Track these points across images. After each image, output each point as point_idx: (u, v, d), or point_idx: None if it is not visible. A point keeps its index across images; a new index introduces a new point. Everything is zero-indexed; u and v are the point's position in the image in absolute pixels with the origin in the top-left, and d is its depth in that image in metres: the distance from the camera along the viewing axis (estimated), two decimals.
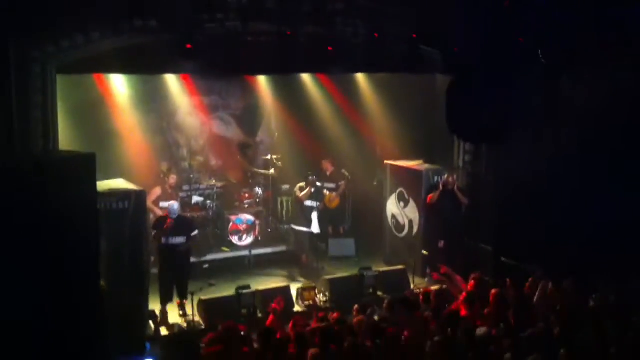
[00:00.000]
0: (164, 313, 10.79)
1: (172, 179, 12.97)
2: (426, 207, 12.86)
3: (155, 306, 10.81)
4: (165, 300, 10.96)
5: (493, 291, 9.32)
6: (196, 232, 11.45)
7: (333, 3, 10.85)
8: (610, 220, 10.79)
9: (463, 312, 9.12)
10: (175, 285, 11.06)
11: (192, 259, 11.74)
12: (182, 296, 10.99)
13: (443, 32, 9.98)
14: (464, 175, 13.09)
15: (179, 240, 10.94)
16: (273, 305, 9.75)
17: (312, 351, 7.62)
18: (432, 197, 12.62)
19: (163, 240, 10.90)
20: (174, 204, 11.21)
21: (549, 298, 9.57)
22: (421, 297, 9.88)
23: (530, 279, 10.04)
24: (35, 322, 7.85)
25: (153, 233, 10.95)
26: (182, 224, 11.08)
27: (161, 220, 11.09)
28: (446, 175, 12.69)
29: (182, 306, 11.00)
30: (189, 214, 12.88)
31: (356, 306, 9.51)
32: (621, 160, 11.13)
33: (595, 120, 11.19)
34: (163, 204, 12.33)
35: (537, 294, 9.65)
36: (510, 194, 12.00)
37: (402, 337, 8.17)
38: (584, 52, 10.58)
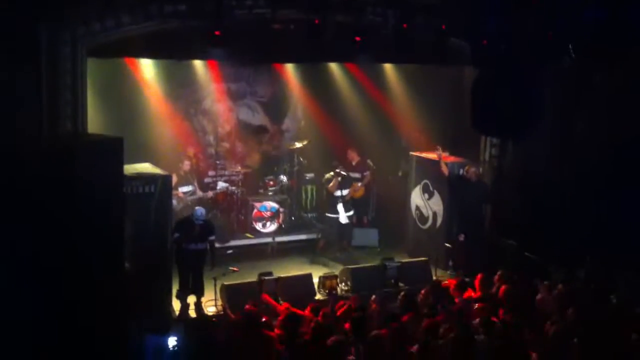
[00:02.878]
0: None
1: (186, 165, 13.05)
2: (449, 200, 12.85)
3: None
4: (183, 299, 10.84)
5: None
6: (214, 237, 11.01)
7: None
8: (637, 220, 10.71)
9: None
10: (193, 284, 10.84)
11: (216, 245, 11.80)
12: (199, 295, 10.85)
13: (472, 24, 9.92)
14: (489, 169, 13.01)
15: (202, 246, 10.77)
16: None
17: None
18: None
19: (185, 245, 10.65)
20: (200, 210, 10.88)
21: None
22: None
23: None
24: (61, 301, 8.00)
25: (175, 236, 10.62)
26: (206, 229, 10.81)
27: (186, 225, 10.78)
28: (467, 167, 12.63)
29: (198, 305, 10.82)
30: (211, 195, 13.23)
31: (373, 297, 9.72)
32: None
33: (627, 120, 11.06)
34: (182, 189, 12.66)
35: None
36: (535, 189, 11.94)
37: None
38: (613, 49, 10.43)
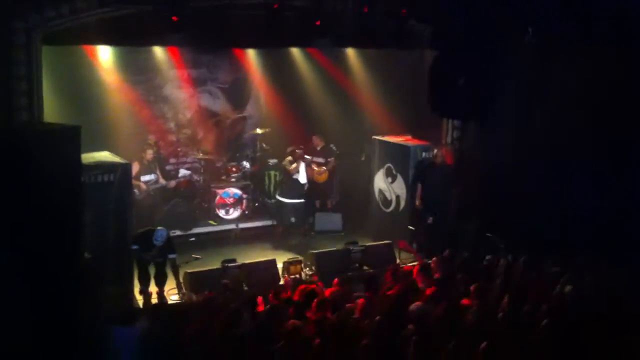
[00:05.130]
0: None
1: (149, 154, 12.79)
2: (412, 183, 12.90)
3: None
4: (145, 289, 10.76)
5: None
6: (174, 256, 10.74)
7: None
8: (595, 203, 10.88)
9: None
10: (154, 275, 10.78)
11: (179, 233, 11.71)
12: (162, 284, 10.76)
13: (432, 8, 9.95)
14: (451, 151, 13.07)
15: (160, 259, 10.64)
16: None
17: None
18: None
19: (145, 257, 10.56)
20: (162, 232, 10.46)
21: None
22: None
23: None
24: (18, 293, 7.88)
25: (133, 248, 10.46)
26: (165, 250, 10.59)
27: (145, 241, 10.47)
28: (435, 150, 12.67)
29: (160, 294, 10.71)
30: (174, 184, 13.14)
31: (336, 279, 9.74)
32: (606, 144, 11.16)
33: (584, 104, 11.18)
34: (144, 178, 12.50)
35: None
36: (497, 171, 12.04)
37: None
38: (574, 35, 10.52)
